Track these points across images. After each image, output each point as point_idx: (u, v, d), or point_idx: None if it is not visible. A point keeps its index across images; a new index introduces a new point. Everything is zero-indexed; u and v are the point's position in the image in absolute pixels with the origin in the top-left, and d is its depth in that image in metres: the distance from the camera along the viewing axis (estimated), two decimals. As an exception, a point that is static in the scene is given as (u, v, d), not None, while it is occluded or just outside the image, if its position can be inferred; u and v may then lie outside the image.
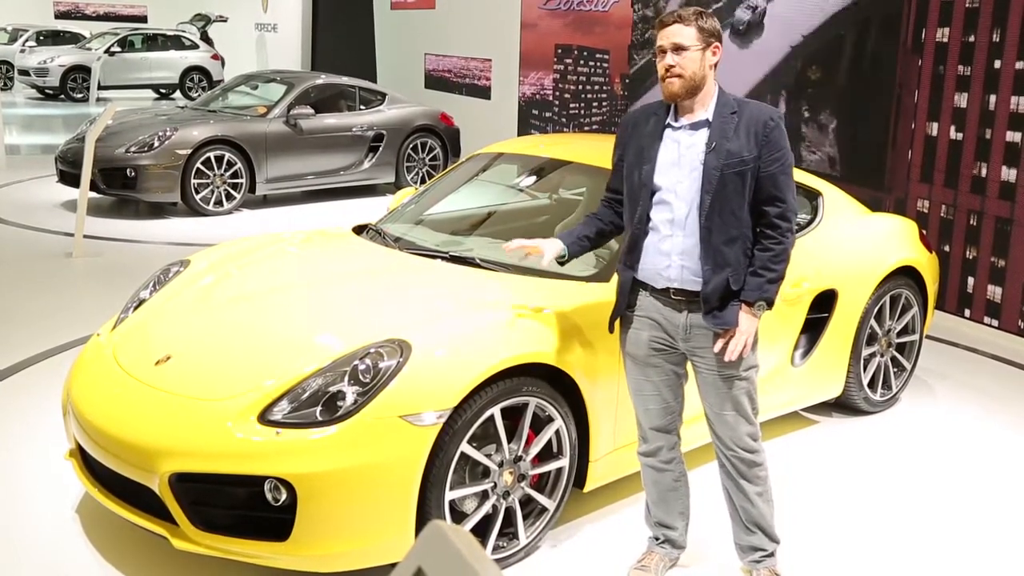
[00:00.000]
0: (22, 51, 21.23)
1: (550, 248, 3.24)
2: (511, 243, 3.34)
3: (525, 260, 3.49)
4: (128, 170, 8.73)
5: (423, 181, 10.42)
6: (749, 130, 2.97)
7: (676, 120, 3.05)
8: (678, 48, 2.96)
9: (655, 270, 3.07)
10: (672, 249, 3.03)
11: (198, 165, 8.95)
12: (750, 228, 3.03)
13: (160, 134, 8.87)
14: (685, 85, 2.97)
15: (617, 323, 3.23)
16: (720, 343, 3.03)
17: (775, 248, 3.02)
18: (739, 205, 2.98)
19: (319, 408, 3.04)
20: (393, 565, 2.89)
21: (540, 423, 3.38)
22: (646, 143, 3.07)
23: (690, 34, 2.96)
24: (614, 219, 3.30)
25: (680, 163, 3.02)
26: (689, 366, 3.19)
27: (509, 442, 3.29)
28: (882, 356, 4.85)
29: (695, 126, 3.02)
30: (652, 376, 3.17)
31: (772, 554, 3.28)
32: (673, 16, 2.99)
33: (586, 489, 3.62)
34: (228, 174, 9.18)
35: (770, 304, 3.05)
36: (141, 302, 3.92)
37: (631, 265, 3.12)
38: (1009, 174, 6.05)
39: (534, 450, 3.37)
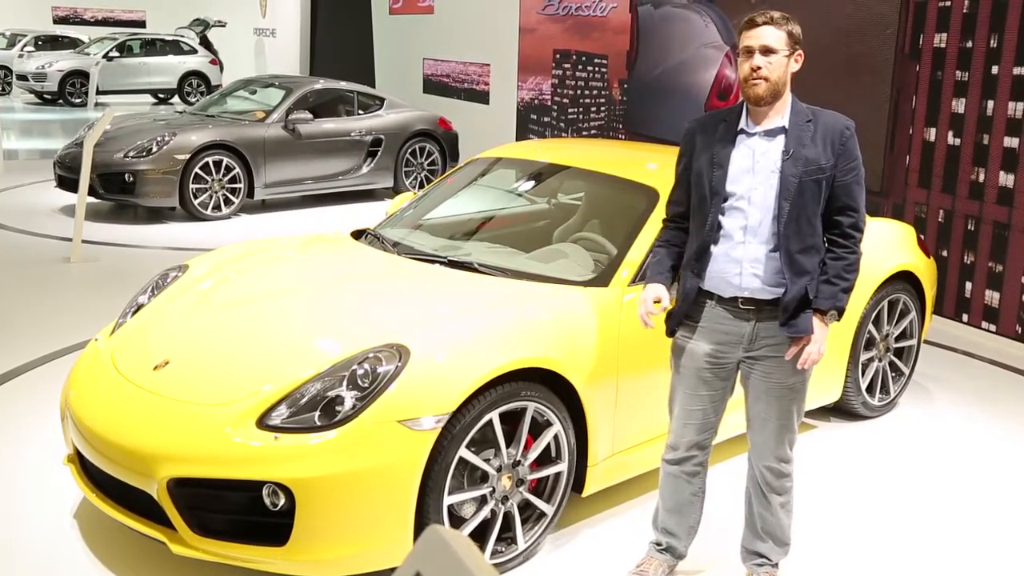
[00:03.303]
0: (20, 56, 21.22)
1: (664, 293, 3.08)
2: (643, 317, 3.09)
3: (655, 310, 3.09)
4: (126, 175, 8.74)
5: (421, 186, 10.43)
6: (826, 138, 2.93)
7: (750, 126, 2.99)
8: (767, 51, 2.90)
9: (724, 278, 3.01)
10: (744, 256, 2.98)
11: (196, 170, 8.95)
12: (822, 238, 3.01)
13: (158, 139, 8.88)
14: (770, 89, 2.91)
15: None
16: (794, 350, 2.99)
17: (849, 258, 2.99)
18: (815, 213, 2.95)
19: (317, 413, 3.04)
20: (392, 570, 2.89)
21: (539, 428, 3.38)
22: (717, 149, 3.00)
23: (780, 38, 2.90)
24: (684, 238, 3.17)
25: (755, 170, 2.96)
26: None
27: (508, 447, 3.29)
28: (880, 361, 4.85)
29: (770, 133, 2.96)
30: (701, 391, 3.12)
31: (776, 564, 3.29)
32: (765, 17, 2.91)
33: (585, 494, 3.61)
34: (226, 179, 9.18)
35: (841, 313, 3.03)
36: (139, 307, 3.92)
37: (698, 273, 3.04)
38: (1007, 179, 6.06)
39: (533, 455, 3.37)
